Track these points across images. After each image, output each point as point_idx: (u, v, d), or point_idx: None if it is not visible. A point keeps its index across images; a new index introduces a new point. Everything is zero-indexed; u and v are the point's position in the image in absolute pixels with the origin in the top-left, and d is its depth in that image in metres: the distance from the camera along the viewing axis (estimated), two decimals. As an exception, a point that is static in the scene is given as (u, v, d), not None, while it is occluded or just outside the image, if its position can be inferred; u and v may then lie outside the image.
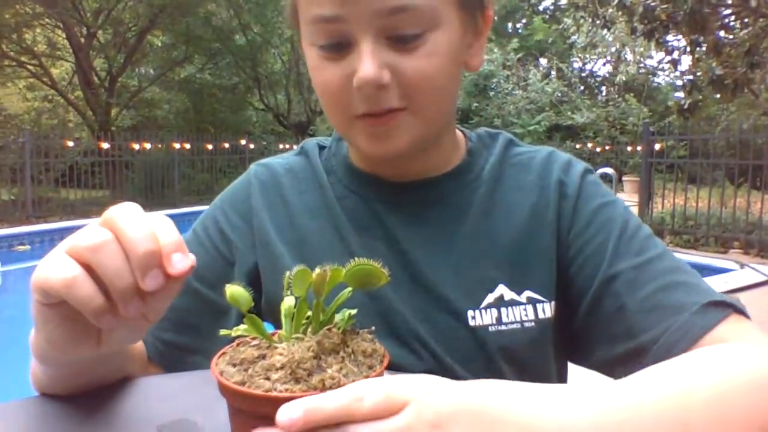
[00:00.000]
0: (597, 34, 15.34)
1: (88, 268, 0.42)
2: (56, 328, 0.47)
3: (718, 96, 7.33)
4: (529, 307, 0.67)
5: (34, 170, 9.65)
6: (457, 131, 0.77)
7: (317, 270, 0.42)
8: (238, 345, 0.45)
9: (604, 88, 19.70)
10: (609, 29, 10.31)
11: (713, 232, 7.17)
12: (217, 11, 14.40)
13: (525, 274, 0.68)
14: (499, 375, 0.65)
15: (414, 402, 0.37)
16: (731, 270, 5.48)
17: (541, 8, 23.33)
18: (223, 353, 0.43)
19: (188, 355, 0.71)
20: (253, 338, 0.45)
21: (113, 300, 0.42)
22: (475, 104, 15.78)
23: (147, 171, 11.42)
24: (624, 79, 16.57)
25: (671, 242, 7.34)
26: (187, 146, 11.78)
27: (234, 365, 0.41)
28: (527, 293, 0.67)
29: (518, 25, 24.13)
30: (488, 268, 0.68)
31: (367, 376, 0.40)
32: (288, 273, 0.45)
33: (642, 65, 17.44)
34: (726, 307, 0.59)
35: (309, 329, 0.44)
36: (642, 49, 15.20)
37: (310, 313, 0.45)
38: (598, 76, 20.21)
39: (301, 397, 0.37)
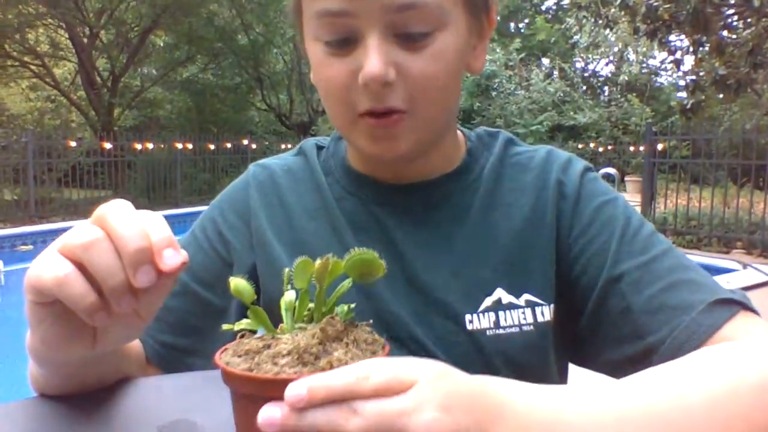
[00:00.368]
0: (599, 34, 15.34)
1: (81, 266, 0.42)
2: (50, 327, 0.47)
3: (721, 96, 7.33)
4: (528, 311, 0.66)
5: (37, 170, 9.68)
6: (458, 131, 0.76)
7: (319, 260, 0.43)
8: (241, 338, 0.45)
9: (606, 88, 19.68)
10: (611, 29, 10.30)
11: (716, 233, 7.16)
12: (219, 11, 14.42)
13: (524, 277, 0.67)
14: None
15: (421, 383, 0.37)
16: (734, 270, 5.47)
17: (543, 8, 23.33)
18: (225, 349, 0.43)
19: (187, 356, 0.71)
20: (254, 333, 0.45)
21: (106, 297, 0.42)
22: (478, 104, 15.76)
23: (149, 171, 11.44)
24: (626, 79, 16.57)
25: (674, 242, 7.25)
26: (190, 146, 11.79)
27: (239, 356, 0.41)
28: (526, 296, 0.66)
29: (521, 25, 24.12)
30: (487, 271, 0.67)
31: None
32: (287, 269, 0.45)
33: (645, 65, 17.43)
34: (734, 304, 0.58)
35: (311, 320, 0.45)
36: (645, 49, 15.19)
37: (310, 305, 0.45)
38: (601, 76, 20.19)
39: None
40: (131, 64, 14.01)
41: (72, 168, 10.69)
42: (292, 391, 0.36)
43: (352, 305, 0.46)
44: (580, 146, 14.20)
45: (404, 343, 0.66)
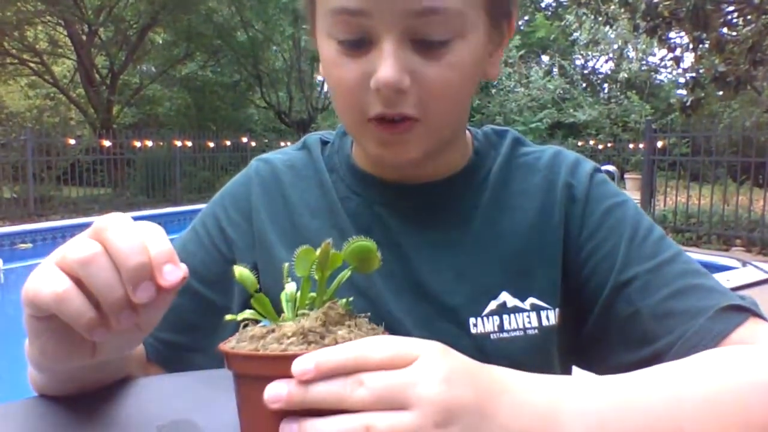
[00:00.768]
0: (599, 31, 15.33)
1: (79, 282, 0.42)
2: (48, 340, 0.46)
3: (721, 93, 7.33)
4: (533, 315, 0.65)
5: (36, 168, 9.68)
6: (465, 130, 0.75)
7: (320, 248, 0.43)
8: (243, 328, 0.45)
9: (606, 85, 19.67)
10: (611, 26, 10.30)
11: (715, 230, 7.16)
12: (218, 8, 14.41)
13: (529, 281, 0.66)
14: None
15: (424, 357, 0.39)
16: (733, 268, 5.47)
17: (543, 5, 23.30)
18: (228, 340, 0.44)
19: (188, 354, 0.70)
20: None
21: (105, 312, 0.42)
22: (477, 101, 15.76)
23: (148, 168, 11.43)
24: (626, 76, 16.57)
25: (673, 240, 7.33)
26: (189, 144, 11.79)
27: (243, 341, 0.42)
28: (531, 300, 0.66)
29: (520, 22, 24.10)
30: (492, 274, 0.66)
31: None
32: (286, 264, 0.46)
33: (644, 62, 17.42)
34: (743, 310, 0.58)
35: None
36: (644, 46, 15.18)
37: (311, 294, 0.45)
38: (601, 73, 20.19)
39: None
40: (130, 61, 13.99)
41: (71, 166, 10.69)
42: (299, 365, 0.37)
43: (351, 298, 0.46)
44: (579, 143, 14.21)
45: None
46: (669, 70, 17.75)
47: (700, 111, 7.56)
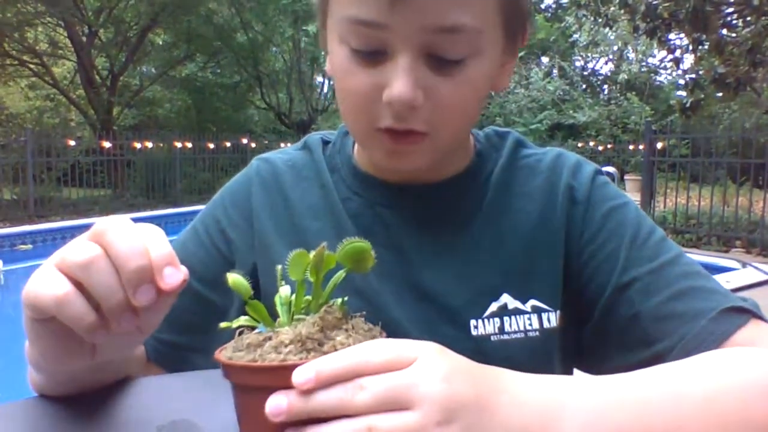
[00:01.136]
0: (599, 33, 15.34)
1: (79, 284, 0.42)
2: (48, 342, 0.46)
3: (721, 94, 7.32)
4: (534, 317, 0.65)
5: (36, 169, 9.68)
6: None
7: (314, 251, 0.43)
8: (239, 335, 0.45)
9: (606, 86, 19.68)
10: (611, 27, 10.29)
11: (715, 231, 7.16)
12: (218, 9, 14.41)
13: (530, 283, 0.66)
14: None
15: (422, 358, 0.39)
16: (733, 269, 5.47)
17: (543, 6, 23.31)
18: (224, 347, 0.43)
19: (188, 354, 0.70)
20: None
21: (105, 315, 0.42)
22: (477, 103, 15.74)
23: (149, 170, 11.43)
24: (626, 77, 16.57)
25: (673, 241, 7.34)
26: (189, 145, 11.79)
27: (240, 350, 0.41)
28: (532, 302, 0.65)
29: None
30: (493, 275, 0.66)
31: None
32: (279, 266, 0.46)
33: (644, 64, 17.43)
34: (744, 312, 0.57)
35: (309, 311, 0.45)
36: (644, 47, 15.19)
37: (306, 297, 0.45)
38: (600, 74, 20.19)
39: None
40: (130, 62, 13.99)
41: (71, 167, 10.69)
42: (299, 375, 0.37)
43: (345, 298, 0.46)
44: (579, 145, 14.21)
45: None
46: (669, 71, 17.77)
47: (700, 112, 7.56)
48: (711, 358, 0.50)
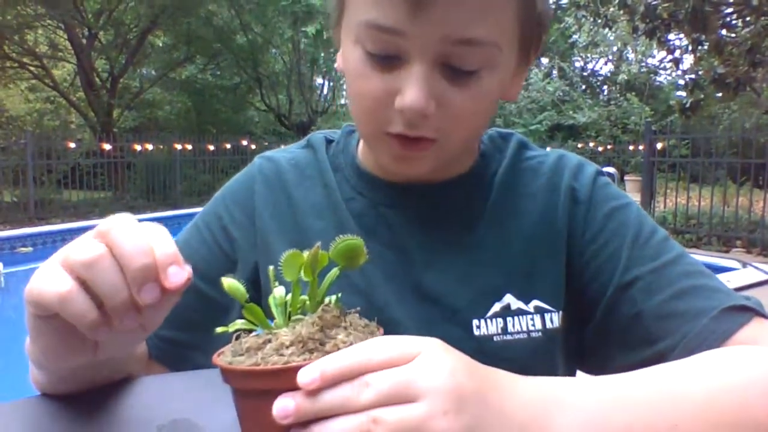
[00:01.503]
0: (598, 33, 15.35)
1: (83, 282, 0.42)
2: (51, 339, 0.47)
3: (720, 95, 7.32)
4: (537, 317, 0.65)
5: (36, 172, 9.68)
6: None
7: (307, 251, 0.43)
8: (236, 339, 0.45)
9: (605, 87, 19.69)
10: (610, 28, 10.30)
11: (715, 231, 7.16)
12: (218, 11, 14.42)
13: (533, 283, 0.66)
14: None
15: (426, 353, 0.39)
16: (734, 269, 5.47)
17: (542, 7, 23.28)
18: (222, 351, 0.43)
19: (190, 351, 0.70)
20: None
21: (108, 312, 0.42)
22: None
23: (149, 172, 11.43)
24: (626, 78, 16.57)
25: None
26: (189, 147, 11.79)
27: (240, 355, 0.41)
28: (535, 302, 0.66)
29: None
30: (496, 276, 0.66)
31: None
32: (271, 267, 0.46)
33: (644, 64, 17.43)
34: (747, 310, 0.57)
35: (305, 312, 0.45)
36: (644, 48, 15.20)
37: (302, 297, 0.45)
38: (600, 75, 20.20)
39: None
40: (130, 64, 14.00)
41: (71, 169, 10.69)
42: (304, 376, 0.37)
43: (339, 294, 0.47)
44: (579, 145, 14.20)
45: None
46: (668, 71, 17.78)
47: (700, 113, 7.56)
48: (711, 357, 0.50)
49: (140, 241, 0.42)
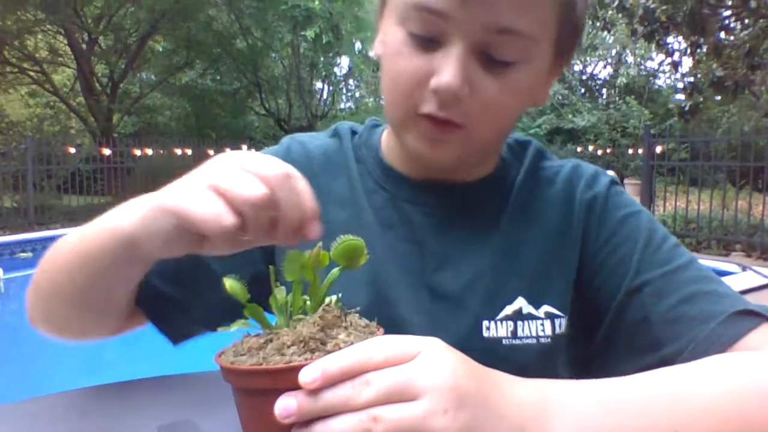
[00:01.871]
0: (597, 37, 15.38)
1: (229, 202, 0.43)
2: (169, 232, 0.47)
3: (719, 98, 7.33)
4: (547, 322, 0.65)
5: (36, 177, 9.68)
6: None
7: (308, 251, 0.44)
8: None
9: (604, 90, 19.73)
10: (609, 31, 10.33)
11: (715, 235, 7.16)
12: (217, 16, 14.45)
13: (545, 288, 0.67)
14: None
15: (426, 351, 0.40)
16: (733, 273, 5.46)
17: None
18: (223, 352, 0.44)
19: (170, 304, 0.67)
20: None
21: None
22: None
23: (149, 177, 11.43)
24: (625, 81, 16.62)
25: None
26: (189, 152, 11.80)
27: (242, 354, 0.42)
28: (545, 308, 0.66)
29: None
30: (509, 279, 0.67)
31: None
32: (271, 266, 0.46)
33: (642, 67, 17.47)
34: (756, 315, 0.57)
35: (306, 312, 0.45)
36: (642, 51, 15.23)
37: (303, 297, 0.45)
38: (599, 78, 20.23)
39: None
40: (130, 69, 14.03)
41: (71, 174, 10.70)
42: (306, 375, 0.37)
43: (340, 295, 0.47)
44: (578, 149, 14.21)
45: None
46: (667, 74, 17.82)
47: (699, 116, 7.58)
48: (713, 362, 0.50)
49: (295, 199, 0.45)
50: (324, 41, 14.06)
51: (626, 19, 7.20)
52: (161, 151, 11.79)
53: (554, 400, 0.43)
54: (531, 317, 0.65)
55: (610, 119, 15.97)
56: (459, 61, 0.57)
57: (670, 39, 7.58)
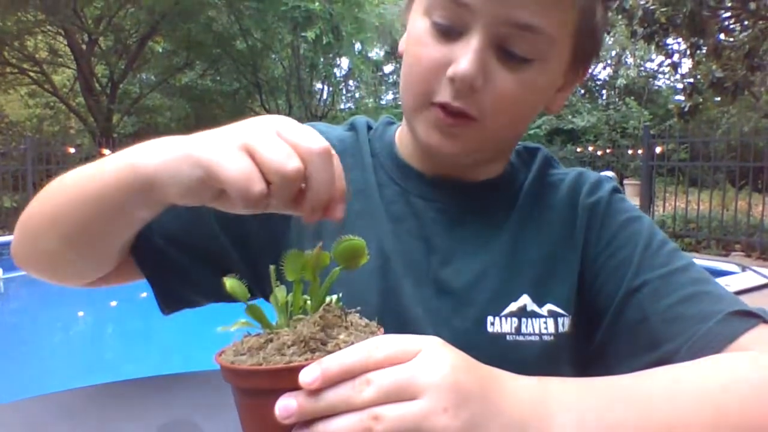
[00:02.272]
0: (597, 38, 15.33)
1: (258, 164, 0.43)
2: (191, 182, 0.46)
3: (719, 99, 7.34)
4: (550, 321, 0.66)
5: (36, 177, 9.67)
6: None
7: (308, 251, 0.44)
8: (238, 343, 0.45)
9: (604, 91, 19.74)
10: (609, 33, 10.33)
11: (714, 235, 7.16)
12: (217, 17, 14.44)
13: (548, 288, 0.68)
14: None
15: (426, 350, 0.40)
16: (733, 273, 5.46)
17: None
18: (223, 351, 0.44)
19: (168, 262, 0.68)
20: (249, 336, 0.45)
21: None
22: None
23: (148, 177, 11.40)
24: (624, 82, 16.63)
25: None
26: (189, 152, 11.78)
27: (242, 354, 0.42)
28: (549, 306, 0.67)
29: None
30: (514, 277, 0.68)
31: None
32: (272, 266, 0.46)
33: (642, 68, 17.48)
34: (753, 316, 0.58)
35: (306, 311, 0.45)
36: (642, 52, 15.24)
37: (303, 297, 0.45)
38: (599, 79, 20.23)
39: None
40: (130, 70, 14.02)
41: (71, 174, 10.68)
42: (306, 375, 0.37)
43: (340, 294, 0.47)
44: (578, 150, 14.21)
45: None
46: (667, 76, 17.83)
47: (698, 117, 7.58)
48: (710, 361, 0.51)
49: (328, 177, 0.44)
50: (324, 42, 14.05)
51: (626, 21, 7.21)
52: (161, 152, 11.76)
53: (555, 396, 0.43)
54: (535, 315, 0.66)
55: (610, 120, 15.98)
56: (477, 52, 0.59)
57: (669, 40, 7.58)
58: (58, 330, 5.07)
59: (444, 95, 0.61)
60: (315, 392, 0.37)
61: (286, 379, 0.38)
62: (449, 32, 0.61)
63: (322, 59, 15.81)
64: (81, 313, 5.52)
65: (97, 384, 0.63)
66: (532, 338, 0.65)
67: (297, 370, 0.38)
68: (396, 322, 0.64)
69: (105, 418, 0.55)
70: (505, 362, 0.64)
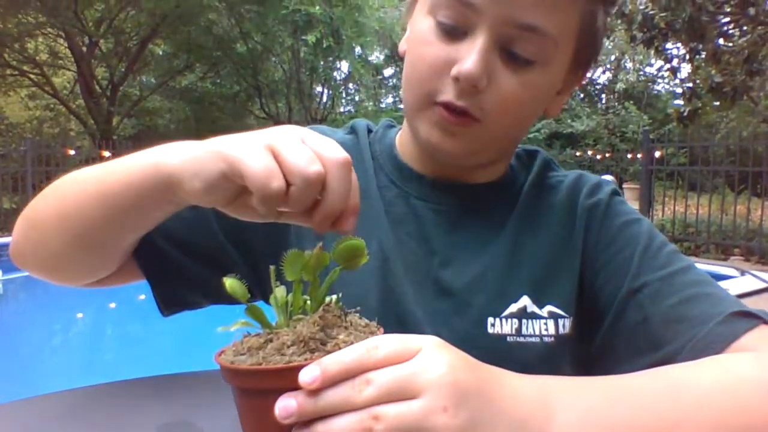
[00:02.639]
0: (596, 43, 15.34)
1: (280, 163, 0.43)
2: (213, 177, 0.47)
3: (718, 103, 7.34)
4: (550, 322, 0.66)
5: (36, 179, 9.66)
6: None
7: (308, 252, 0.44)
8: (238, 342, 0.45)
9: (603, 95, 19.73)
10: (608, 37, 10.34)
11: (714, 239, 7.16)
12: (218, 20, 14.45)
13: (548, 289, 0.68)
14: None
15: (426, 349, 0.40)
16: (732, 277, 5.46)
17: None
18: (223, 351, 0.44)
19: (169, 264, 0.68)
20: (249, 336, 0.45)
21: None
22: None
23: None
24: (624, 86, 16.63)
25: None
26: (188, 154, 11.77)
27: (242, 354, 0.42)
28: (549, 307, 0.67)
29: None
30: (514, 278, 0.68)
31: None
32: (272, 267, 0.46)
33: (642, 73, 17.49)
34: (753, 317, 0.58)
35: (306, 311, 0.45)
36: (641, 56, 15.25)
37: (303, 297, 0.46)
38: (598, 83, 20.24)
39: None
40: (130, 72, 14.01)
41: (71, 176, 10.66)
42: (306, 375, 0.37)
43: (340, 294, 0.47)
44: (577, 154, 14.22)
45: None
46: (666, 80, 17.83)
47: (698, 121, 7.58)
48: (711, 361, 0.51)
49: (345, 188, 0.45)
50: (324, 46, 14.06)
51: (625, 26, 7.21)
52: (161, 154, 11.75)
53: (555, 395, 0.43)
54: (535, 316, 0.66)
55: (609, 124, 15.97)
56: (482, 52, 0.59)
57: (669, 45, 7.59)
58: (57, 331, 5.05)
59: (447, 94, 0.61)
60: (315, 392, 0.37)
61: (286, 379, 0.38)
62: (454, 32, 0.61)
63: (322, 62, 15.80)
64: (80, 315, 5.51)
65: (97, 384, 0.63)
66: (533, 339, 0.65)
67: (297, 370, 0.38)
68: (396, 323, 0.65)
69: (105, 418, 0.56)
70: (506, 363, 0.64)
